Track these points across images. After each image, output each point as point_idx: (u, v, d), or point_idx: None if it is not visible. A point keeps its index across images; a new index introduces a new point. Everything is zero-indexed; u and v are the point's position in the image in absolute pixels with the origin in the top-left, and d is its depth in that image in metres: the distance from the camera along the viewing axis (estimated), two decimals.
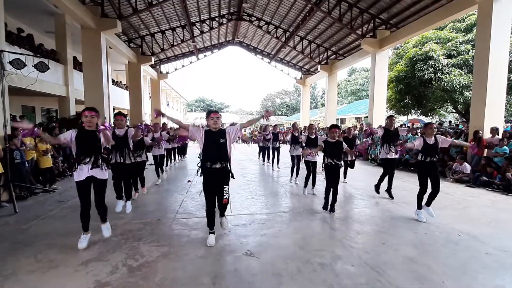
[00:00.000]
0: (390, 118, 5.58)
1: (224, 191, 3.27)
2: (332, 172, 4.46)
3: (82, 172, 3.11)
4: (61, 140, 3.17)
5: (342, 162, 4.56)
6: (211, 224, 3.35)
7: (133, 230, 3.73)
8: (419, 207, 4.24)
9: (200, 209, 4.64)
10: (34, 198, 5.39)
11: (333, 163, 4.41)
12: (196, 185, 6.50)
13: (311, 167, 5.67)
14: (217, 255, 3.07)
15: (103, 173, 3.23)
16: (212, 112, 3.28)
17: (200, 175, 3.36)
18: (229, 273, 2.70)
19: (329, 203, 4.51)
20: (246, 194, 5.74)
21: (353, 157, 6.91)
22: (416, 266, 2.85)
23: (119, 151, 4.40)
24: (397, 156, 5.51)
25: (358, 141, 8.21)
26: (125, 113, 19.07)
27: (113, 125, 4.79)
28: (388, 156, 5.42)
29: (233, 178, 3.41)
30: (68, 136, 3.11)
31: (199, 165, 3.43)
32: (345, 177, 6.93)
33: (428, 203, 4.21)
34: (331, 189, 4.48)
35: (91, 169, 3.12)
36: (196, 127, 3.47)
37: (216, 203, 3.36)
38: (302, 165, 6.30)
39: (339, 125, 22.72)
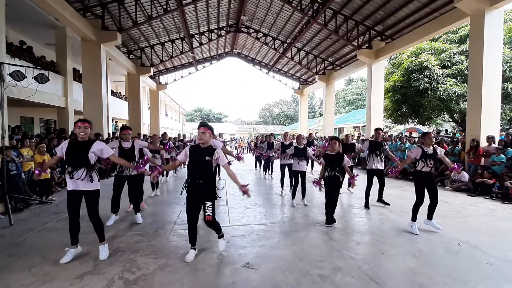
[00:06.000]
0: (376, 131, 5.63)
1: (206, 208, 3.08)
2: (334, 183, 4.33)
3: (70, 183, 3.06)
4: (58, 156, 3.20)
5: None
6: (191, 240, 3.21)
7: (130, 242, 3.68)
8: (414, 219, 4.11)
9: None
10: (30, 210, 5.33)
11: (334, 175, 4.31)
12: None
13: (300, 177, 5.57)
14: (215, 267, 3.02)
15: (94, 184, 3.11)
16: (201, 126, 3.10)
17: (182, 193, 3.22)
18: (228, 286, 2.66)
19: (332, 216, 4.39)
20: (244, 205, 5.69)
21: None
22: (417, 277, 2.82)
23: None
24: (383, 168, 5.51)
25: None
26: (124, 123, 18.79)
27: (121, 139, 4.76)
28: (374, 167, 5.45)
29: (216, 198, 3.19)
30: (60, 149, 3.14)
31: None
32: (351, 186, 6.57)
33: (430, 216, 4.12)
34: (332, 200, 4.34)
35: (78, 180, 3.03)
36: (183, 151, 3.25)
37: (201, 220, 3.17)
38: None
39: (337, 134, 22.88)
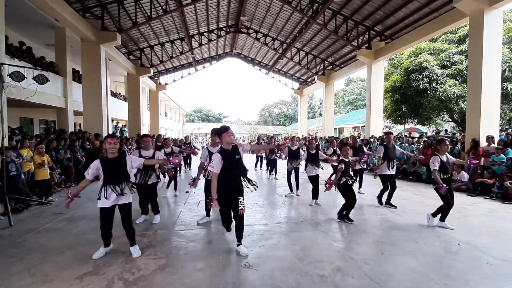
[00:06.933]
0: (387, 135, 5.63)
1: (239, 202, 3.27)
2: (349, 188, 4.51)
3: (108, 200, 3.09)
4: (90, 178, 3.12)
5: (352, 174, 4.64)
6: (226, 224, 3.79)
7: None
8: (435, 215, 4.25)
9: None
10: (30, 211, 5.32)
11: (349, 181, 4.48)
12: (195, 196, 6.46)
13: (315, 181, 5.65)
14: (215, 267, 3.02)
15: (128, 197, 3.22)
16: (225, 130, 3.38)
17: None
18: (227, 286, 2.65)
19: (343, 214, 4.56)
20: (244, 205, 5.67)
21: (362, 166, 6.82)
22: (417, 277, 2.82)
23: (144, 172, 4.43)
24: (395, 173, 5.54)
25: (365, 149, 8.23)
26: (124, 123, 18.69)
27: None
28: (388, 173, 5.46)
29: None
30: (94, 169, 3.10)
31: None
32: (360, 187, 6.83)
33: (443, 218, 4.22)
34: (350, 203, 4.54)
35: (118, 195, 3.11)
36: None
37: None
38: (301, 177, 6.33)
39: (337, 134, 22.85)
